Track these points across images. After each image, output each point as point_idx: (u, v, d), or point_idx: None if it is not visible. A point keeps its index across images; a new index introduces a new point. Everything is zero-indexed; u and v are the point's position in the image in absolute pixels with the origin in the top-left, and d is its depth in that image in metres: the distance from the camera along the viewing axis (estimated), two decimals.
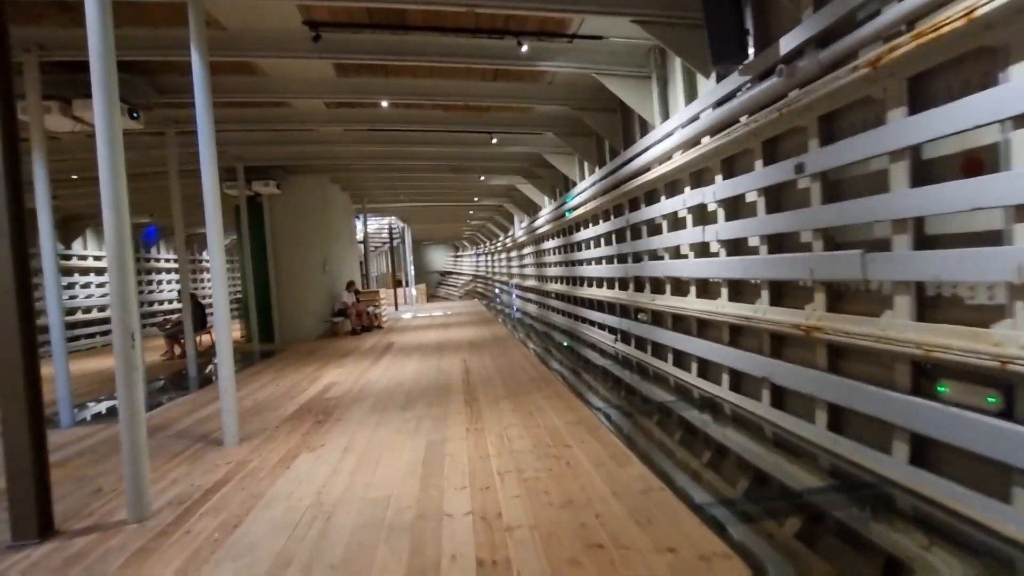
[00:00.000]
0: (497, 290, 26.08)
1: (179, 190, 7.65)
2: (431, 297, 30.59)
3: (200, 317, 10.60)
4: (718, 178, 4.82)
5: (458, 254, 42.60)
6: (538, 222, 13.01)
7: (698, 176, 5.32)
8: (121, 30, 5.32)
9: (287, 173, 10.97)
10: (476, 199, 16.37)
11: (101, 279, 14.00)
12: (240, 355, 9.45)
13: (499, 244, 23.17)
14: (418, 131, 8.81)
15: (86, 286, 13.95)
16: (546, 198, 12.77)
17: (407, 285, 23.96)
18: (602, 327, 8.58)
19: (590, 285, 9.34)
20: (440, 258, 45.10)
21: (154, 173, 10.54)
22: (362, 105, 7.54)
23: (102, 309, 13.74)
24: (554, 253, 12.22)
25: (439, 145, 9.40)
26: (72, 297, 13.41)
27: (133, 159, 9.86)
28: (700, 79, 5.21)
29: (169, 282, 17.52)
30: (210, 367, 8.60)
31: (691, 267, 5.34)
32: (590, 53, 5.99)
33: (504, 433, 3.88)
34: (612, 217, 7.89)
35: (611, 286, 8.15)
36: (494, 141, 9.13)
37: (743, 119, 4.26)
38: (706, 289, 5.21)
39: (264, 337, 11.17)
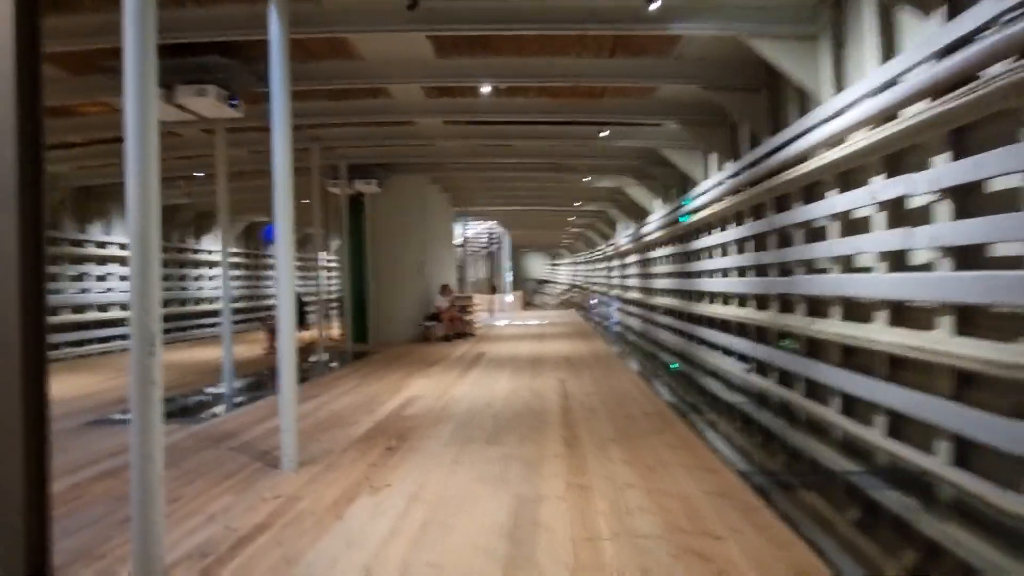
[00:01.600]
0: (594, 301, 24.80)
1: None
2: (527, 305, 30.05)
3: (300, 313, 10.72)
4: (939, 158, 3.41)
5: (555, 262, 41.77)
6: (646, 228, 11.71)
7: (896, 159, 3.91)
8: (210, 8, 5.20)
9: (388, 172, 10.78)
10: (578, 204, 15.40)
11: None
12: (333, 355, 9.30)
13: (598, 253, 21.94)
14: (521, 123, 8.04)
15: (212, 279, 15.06)
16: (657, 201, 11.44)
17: (503, 291, 23.54)
18: (727, 352, 7.18)
19: (713, 301, 7.94)
20: (537, 266, 44.59)
21: (260, 172, 10.92)
22: (462, 92, 6.90)
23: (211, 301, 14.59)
24: (664, 263, 10.86)
25: (543, 139, 8.57)
26: (199, 289, 14.47)
27: (238, 157, 10.36)
28: (906, 24, 3.81)
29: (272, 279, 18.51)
30: (307, 363, 8.47)
31: (880, 284, 3.92)
32: (735, 10, 4.77)
33: (619, 499, 2.85)
34: (748, 220, 6.51)
35: (743, 303, 6.75)
36: (604, 134, 8.11)
37: (997, 67, 2.87)
38: (904, 315, 3.78)
39: (358, 337, 11.03)
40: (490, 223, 20.95)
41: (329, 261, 17.35)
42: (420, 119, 7.65)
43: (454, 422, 4.57)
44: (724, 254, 7.43)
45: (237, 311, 15.00)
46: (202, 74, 5.43)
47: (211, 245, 15.62)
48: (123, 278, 12.00)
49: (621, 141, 8.41)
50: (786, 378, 5.50)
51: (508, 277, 24.32)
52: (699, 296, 8.57)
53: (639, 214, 13.32)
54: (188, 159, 9.54)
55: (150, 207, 2.24)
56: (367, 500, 2.93)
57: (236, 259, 15.40)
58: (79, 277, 10.90)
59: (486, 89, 6.55)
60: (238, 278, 15.69)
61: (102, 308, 11.32)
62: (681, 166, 8.54)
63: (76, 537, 2.54)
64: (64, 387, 6.49)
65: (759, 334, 6.27)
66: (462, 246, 16.97)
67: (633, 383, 6.21)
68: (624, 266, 16.02)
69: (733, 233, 6.91)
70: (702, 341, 8.34)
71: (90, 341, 10.73)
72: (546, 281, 42.87)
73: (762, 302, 6.21)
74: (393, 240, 11.13)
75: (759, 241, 6.26)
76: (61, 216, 10.60)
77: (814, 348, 4.93)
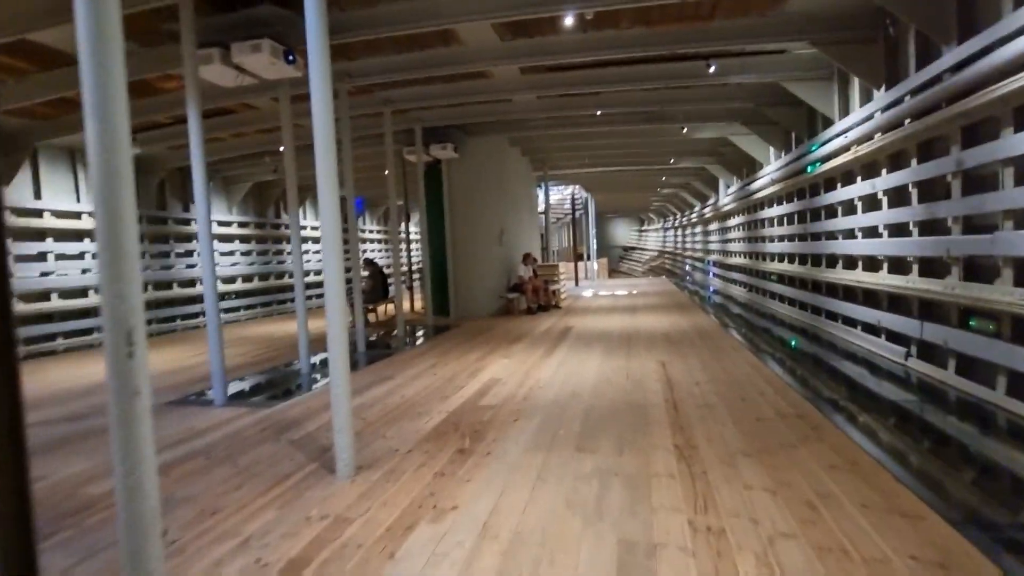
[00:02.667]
0: (688, 267, 22.94)
1: (352, 158, 7.08)
2: (612, 272, 28.69)
3: (383, 286, 10.54)
4: None
5: (643, 228, 39.57)
6: (758, 183, 10.11)
7: None
8: None
9: (465, 135, 10.11)
10: (672, 161, 13.85)
11: (315, 247, 15.35)
12: (411, 330, 8.98)
13: (694, 216, 20.04)
14: (610, 63, 6.94)
15: (305, 252, 15.45)
16: (771, 152, 9.79)
17: (588, 259, 22.45)
18: (872, 330, 5.80)
19: (849, 266, 6.50)
20: (623, 232, 42.63)
21: (336, 142, 10.66)
22: (540, 30, 5.95)
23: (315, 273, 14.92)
24: (781, 223, 9.30)
25: (636, 83, 7.39)
26: (280, 263, 14.63)
27: (306, 126, 10.15)
28: None
29: (366, 251, 18.82)
30: (394, 337, 8.22)
31: None
32: None
33: (769, 555, 1.98)
34: (912, 161, 5.03)
35: (899, 269, 5.34)
36: (712, 69, 6.78)
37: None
38: None
39: (439, 310, 10.71)
40: (573, 187, 19.78)
41: (410, 232, 17.37)
42: (494, 66, 6.80)
43: (537, 417, 3.86)
44: (870, 208, 5.96)
45: (316, 284, 15.49)
46: (257, 28, 4.98)
47: (301, 220, 16.06)
48: (223, 254, 12.52)
49: (732, 77, 7.01)
50: (974, 368, 4.17)
51: (593, 244, 23.09)
52: (830, 261, 7.11)
53: (747, 169, 11.63)
54: (268, 132, 9.48)
55: (117, 170, 1.64)
56: (427, 530, 2.31)
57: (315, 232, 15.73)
58: (188, 254, 11.43)
59: (569, 20, 5.55)
60: (318, 252, 16.02)
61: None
62: (810, 102, 6.99)
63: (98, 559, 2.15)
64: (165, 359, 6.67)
65: (922, 309, 4.89)
66: (544, 213, 16.07)
67: (753, 368, 5.14)
68: (725, 229, 14.30)
69: (887, 180, 5.44)
70: (832, 315, 6.93)
71: (196, 315, 11.29)
72: (633, 248, 40.86)
73: (929, 267, 4.81)
74: (472, 208, 10.53)
75: (926, 188, 4.82)
76: (165, 197, 11.13)
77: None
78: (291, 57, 5.05)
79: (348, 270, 14.29)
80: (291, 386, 5.48)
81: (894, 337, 5.42)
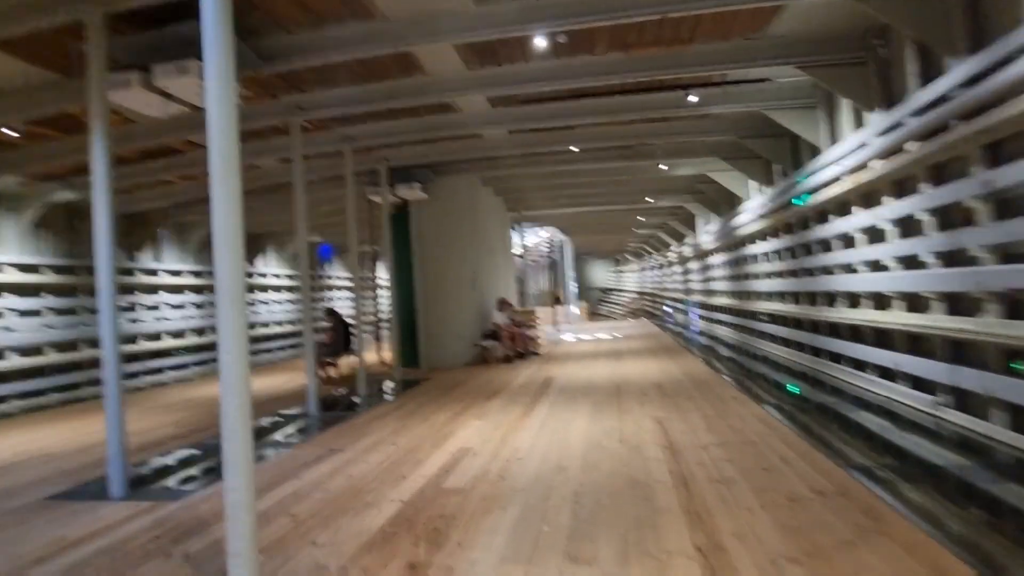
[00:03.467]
0: (667, 308, 22.55)
1: (305, 199, 6.38)
2: (593, 316, 28.17)
3: (345, 338, 9.65)
4: None
5: (620, 269, 39.54)
6: (741, 219, 9.74)
7: None
8: None
9: (433, 174, 9.56)
10: (649, 199, 13.57)
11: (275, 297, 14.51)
12: (377, 385, 8.09)
13: (673, 255, 19.81)
14: (584, 95, 6.52)
15: (265, 304, 14.48)
16: (752, 186, 9.48)
17: (567, 303, 21.89)
18: (885, 373, 5.20)
19: (853, 304, 5.96)
20: (601, 274, 42.53)
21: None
22: (509, 55, 5.47)
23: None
24: (770, 259, 8.86)
25: (612, 115, 6.98)
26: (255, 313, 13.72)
27: (272, 168, 9.59)
28: None
29: (341, 298, 17.90)
30: (353, 395, 7.30)
31: None
32: None
33: None
34: (922, 188, 4.57)
35: (914, 306, 4.79)
36: (692, 100, 6.41)
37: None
38: None
39: (408, 361, 9.81)
40: (550, 230, 19.43)
41: (374, 279, 16.59)
42: (461, 96, 6.29)
43: (516, 505, 3.04)
44: (872, 240, 5.48)
45: (284, 336, 14.46)
46: (184, 48, 4.34)
47: (263, 268, 15.24)
48: (175, 307, 11.41)
49: (713, 107, 6.66)
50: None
51: (572, 287, 22.61)
52: (829, 298, 6.58)
53: (725, 205, 11.33)
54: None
55: None
56: None
57: (283, 281, 14.85)
58: (131, 307, 10.36)
59: (540, 43, 5.09)
60: (286, 301, 15.15)
61: (152, 337, 10.70)
62: (796, 131, 6.64)
63: None
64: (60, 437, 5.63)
65: (954, 351, 4.30)
66: (521, 256, 15.56)
67: (763, 424, 4.43)
68: (707, 268, 13.94)
69: (893, 209, 4.97)
70: (836, 357, 6.34)
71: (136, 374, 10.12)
72: (611, 290, 40.61)
73: (957, 304, 4.26)
74: (442, 251, 9.87)
75: (943, 215, 4.33)
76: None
77: None
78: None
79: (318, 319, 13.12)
80: (217, 463, 4.54)
81: (915, 382, 4.80)
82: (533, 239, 22.03)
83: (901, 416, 4.64)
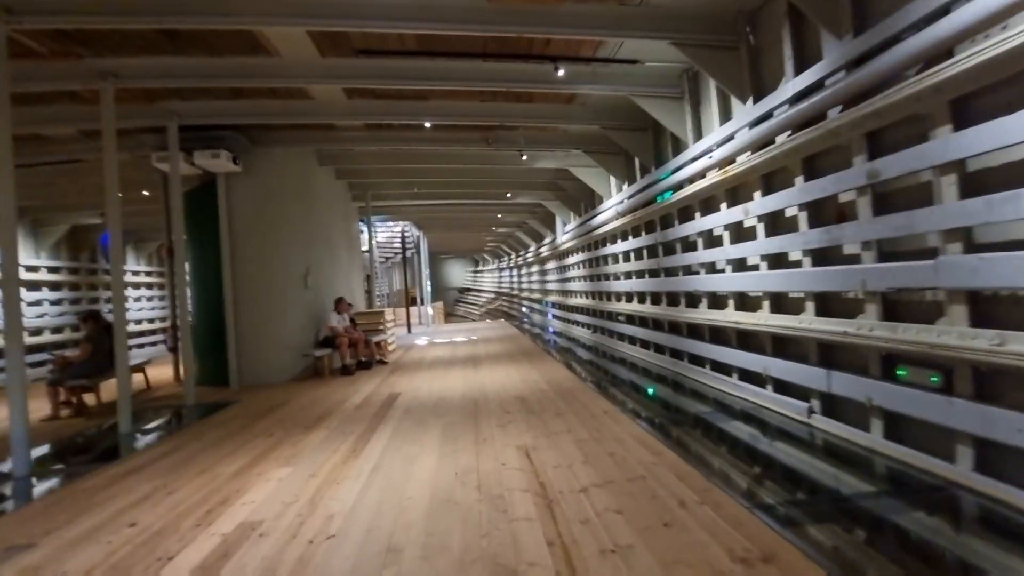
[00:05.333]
0: (526, 309, 22.52)
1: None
2: (449, 316, 27.20)
3: (111, 351, 7.20)
4: None
5: (478, 269, 39.28)
6: (601, 216, 9.45)
7: None
8: None
9: (249, 142, 7.63)
10: (509, 195, 12.93)
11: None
12: (153, 417, 6.04)
13: (530, 255, 19.68)
14: (441, 52, 5.39)
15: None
16: (614, 183, 9.25)
17: (423, 303, 20.55)
18: (749, 377, 4.95)
19: (715, 305, 5.72)
20: (458, 273, 41.89)
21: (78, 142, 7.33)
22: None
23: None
24: (626, 260, 8.64)
25: (471, 82, 5.94)
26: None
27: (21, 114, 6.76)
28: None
29: (137, 299, 14.30)
30: (106, 433, 5.15)
31: None
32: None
33: None
34: (797, 181, 4.29)
35: (779, 307, 4.54)
36: (560, 72, 5.65)
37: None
38: None
39: (214, 378, 7.76)
40: (403, 224, 17.93)
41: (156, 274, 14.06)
42: (275, 31, 4.72)
43: None
44: (738, 238, 5.22)
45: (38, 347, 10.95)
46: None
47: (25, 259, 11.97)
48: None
49: (581, 86, 5.99)
50: (911, 433, 3.27)
51: (427, 286, 21.33)
52: (690, 299, 6.35)
53: (586, 204, 11.10)
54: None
55: None
56: None
57: (44, 276, 11.29)
58: None
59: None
60: (57, 302, 11.59)
61: None
62: (662, 121, 6.28)
63: None
64: None
65: (826, 354, 4.04)
66: (368, 251, 13.86)
67: (646, 448, 3.72)
68: (564, 268, 13.77)
69: (763, 204, 4.68)
70: (697, 359, 6.11)
71: None
72: (468, 290, 40.15)
73: (827, 303, 4.01)
74: (263, 240, 7.95)
75: (814, 210, 4.07)
76: None
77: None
78: None
79: (76, 328, 10.04)
80: None
81: (783, 387, 4.56)
82: (386, 234, 20.29)
83: (778, 427, 4.30)
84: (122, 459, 4.30)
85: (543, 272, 17.43)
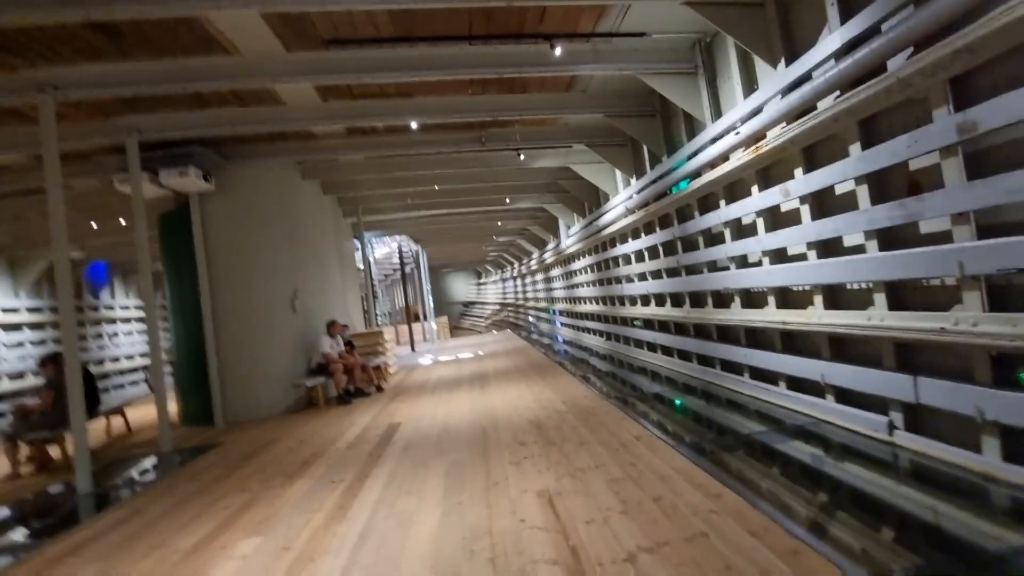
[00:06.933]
0: (531, 319, 21.81)
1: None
2: (454, 330, 26.50)
3: (88, 394, 6.51)
4: None
5: (481, 281, 38.65)
6: (609, 215, 8.76)
7: None
8: None
9: (221, 156, 7.01)
10: (508, 200, 12.28)
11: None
12: (122, 469, 5.38)
13: (534, 263, 19.00)
14: (421, 36, 4.75)
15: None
16: (620, 178, 8.58)
17: (426, 319, 19.87)
18: (798, 385, 4.21)
19: (751, 304, 5.00)
20: (461, 286, 41.26)
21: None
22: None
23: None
24: (641, 259, 7.94)
25: (457, 70, 5.27)
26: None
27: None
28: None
29: (129, 333, 13.69)
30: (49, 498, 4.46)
31: None
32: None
33: None
34: (853, 150, 3.59)
35: (833, 302, 3.81)
36: (557, 51, 5.00)
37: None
38: None
39: (199, 416, 7.09)
40: (400, 239, 17.29)
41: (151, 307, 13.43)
42: (228, 19, 4.09)
43: None
44: (774, 225, 4.52)
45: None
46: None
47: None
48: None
49: (582, 67, 5.32)
50: None
51: (429, 302, 20.67)
52: (721, 299, 5.64)
53: (590, 203, 10.42)
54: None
55: None
56: None
57: (24, 317, 10.65)
58: None
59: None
60: (40, 342, 10.96)
61: None
62: (675, 100, 5.61)
63: None
64: None
65: (904, 357, 3.31)
66: (364, 269, 13.21)
67: (704, 493, 2.99)
68: (571, 274, 13.07)
69: (808, 181, 3.98)
70: (732, 366, 5.38)
71: None
72: (472, 303, 39.47)
73: (899, 295, 3.29)
74: (244, 263, 7.30)
75: (877, 184, 3.37)
76: None
77: None
78: None
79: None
80: None
81: (844, 397, 3.82)
82: (384, 250, 19.68)
83: (856, 447, 3.55)
84: (65, 532, 3.59)
85: (548, 279, 16.74)
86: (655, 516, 2.69)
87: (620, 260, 8.94)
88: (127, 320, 13.70)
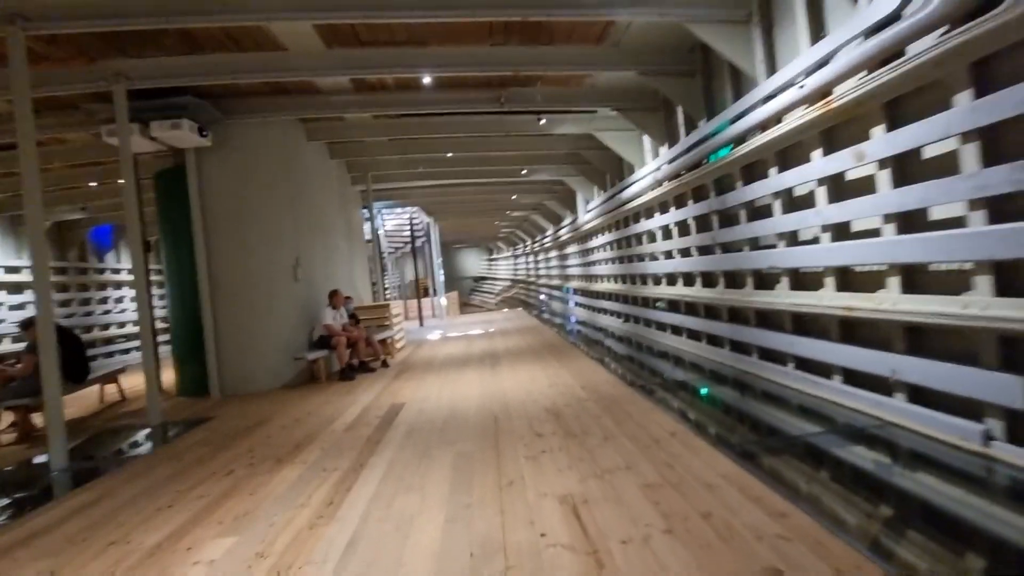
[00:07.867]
0: (543, 296, 21.27)
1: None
2: (464, 306, 26.11)
3: (77, 361, 6.15)
4: None
5: (492, 257, 38.12)
6: (636, 187, 8.10)
7: None
8: None
9: (218, 110, 6.46)
10: (525, 172, 11.63)
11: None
12: (110, 435, 5.01)
13: (548, 239, 18.38)
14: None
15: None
16: (649, 146, 7.92)
17: (436, 294, 19.43)
18: (853, 379, 3.65)
19: (799, 286, 4.41)
20: (473, 262, 40.79)
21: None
22: None
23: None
24: (670, 235, 7.33)
25: (472, 12, 4.66)
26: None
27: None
28: None
29: (123, 299, 13.31)
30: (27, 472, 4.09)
31: None
32: None
33: None
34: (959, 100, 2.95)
35: (911, 284, 3.23)
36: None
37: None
38: None
39: (195, 387, 6.73)
40: (411, 210, 16.72)
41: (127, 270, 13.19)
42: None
43: None
44: (837, 194, 3.90)
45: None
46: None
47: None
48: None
49: (617, 11, 4.66)
50: None
51: (440, 276, 20.20)
52: (763, 280, 5.05)
53: (615, 177, 9.76)
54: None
55: None
56: None
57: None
58: None
59: None
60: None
61: None
62: (725, 53, 4.92)
63: None
64: None
65: (1008, 349, 2.74)
66: (371, 241, 12.71)
67: (763, 509, 2.49)
68: (588, 251, 12.47)
69: (889, 141, 3.35)
70: (772, 355, 4.82)
71: None
72: (483, 278, 39.00)
73: (1009, 277, 2.70)
74: (243, 227, 6.82)
75: (996, 137, 2.74)
76: None
77: None
78: None
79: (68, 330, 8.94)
80: None
81: (920, 397, 3.27)
82: (395, 222, 19.15)
83: (940, 459, 2.99)
84: (24, 517, 3.19)
85: (563, 256, 16.13)
86: (707, 539, 2.18)
87: (644, 237, 8.33)
88: (122, 285, 13.38)
